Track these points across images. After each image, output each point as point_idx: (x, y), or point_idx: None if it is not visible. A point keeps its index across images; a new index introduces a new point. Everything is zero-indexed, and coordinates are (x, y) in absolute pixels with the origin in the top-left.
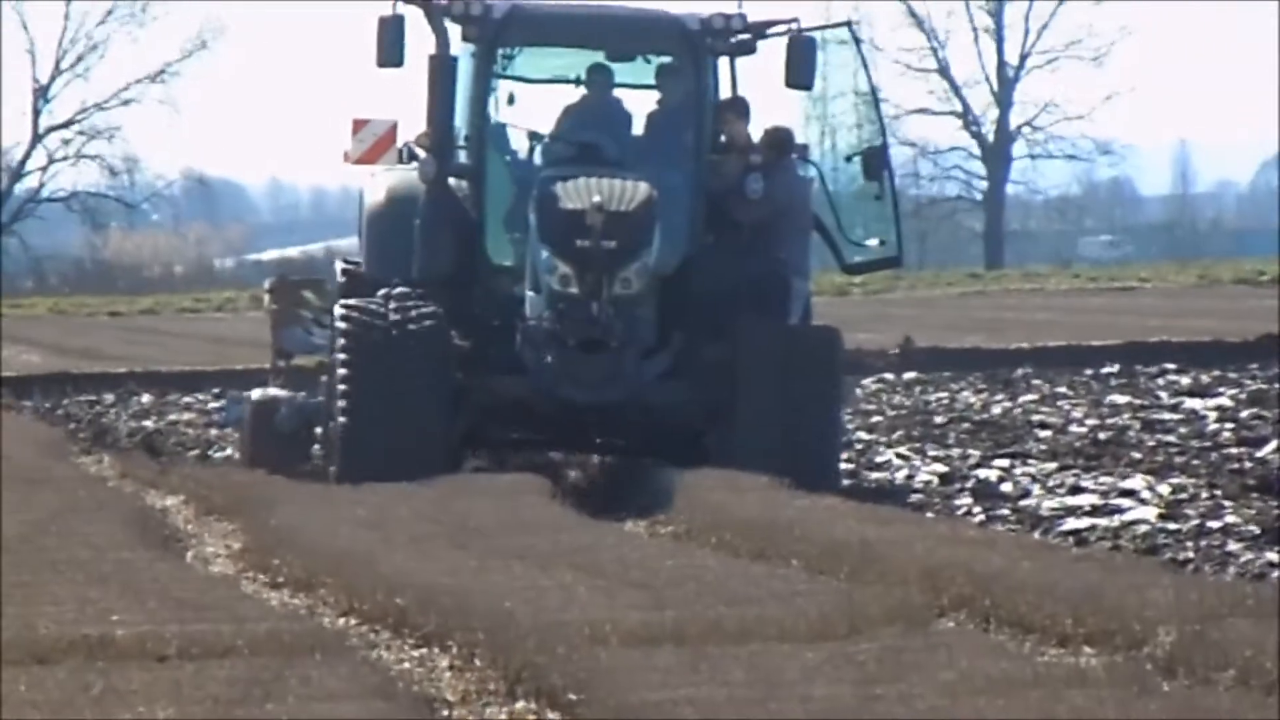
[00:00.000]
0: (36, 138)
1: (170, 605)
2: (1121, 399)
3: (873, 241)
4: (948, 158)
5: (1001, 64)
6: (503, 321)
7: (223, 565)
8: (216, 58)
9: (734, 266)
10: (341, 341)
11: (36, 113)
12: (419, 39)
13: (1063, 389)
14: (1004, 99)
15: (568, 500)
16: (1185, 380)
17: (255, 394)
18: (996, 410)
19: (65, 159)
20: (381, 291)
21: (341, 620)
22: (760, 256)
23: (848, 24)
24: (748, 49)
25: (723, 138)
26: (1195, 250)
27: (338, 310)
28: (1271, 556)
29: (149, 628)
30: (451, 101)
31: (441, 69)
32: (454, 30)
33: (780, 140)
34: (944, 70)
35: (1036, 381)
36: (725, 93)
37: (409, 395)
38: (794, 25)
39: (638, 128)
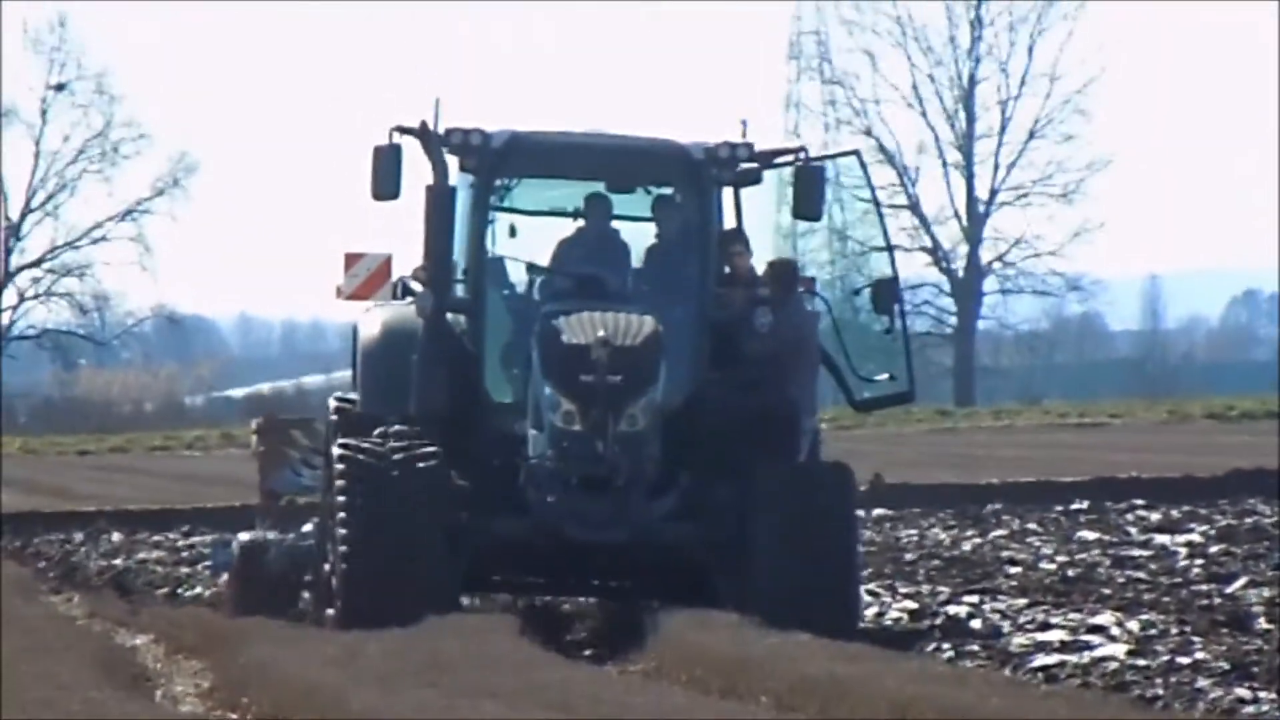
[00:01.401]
0: (7, 276)
1: None
2: (1091, 535)
3: (883, 377)
4: (918, 293)
5: (971, 200)
6: (503, 460)
7: (192, 704)
8: (187, 195)
9: (740, 402)
10: (340, 482)
11: (8, 251)
12: (411, 169)
13: (1033, 525)
14: (974, 235)
15: (536, 637)
16: (1155, 516)
17: (243, 537)
18: (966, 546)
19: (36, 297)
20: (379, 430)
21: None
22: (768, 392)
23: (856, 153)
24: (753, 179)
25: (726, 269)
26: (1166, 386)
27: (336, 450)
28: (1241, 693)
29: None
30: (450, 234)
31: (440, 200)
32: (451, 161)
33: (787, 273)
34: (914, 206)
35: (1006, 517)
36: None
37: (411, 537)
38: (801, 154)
39: (638, 259)
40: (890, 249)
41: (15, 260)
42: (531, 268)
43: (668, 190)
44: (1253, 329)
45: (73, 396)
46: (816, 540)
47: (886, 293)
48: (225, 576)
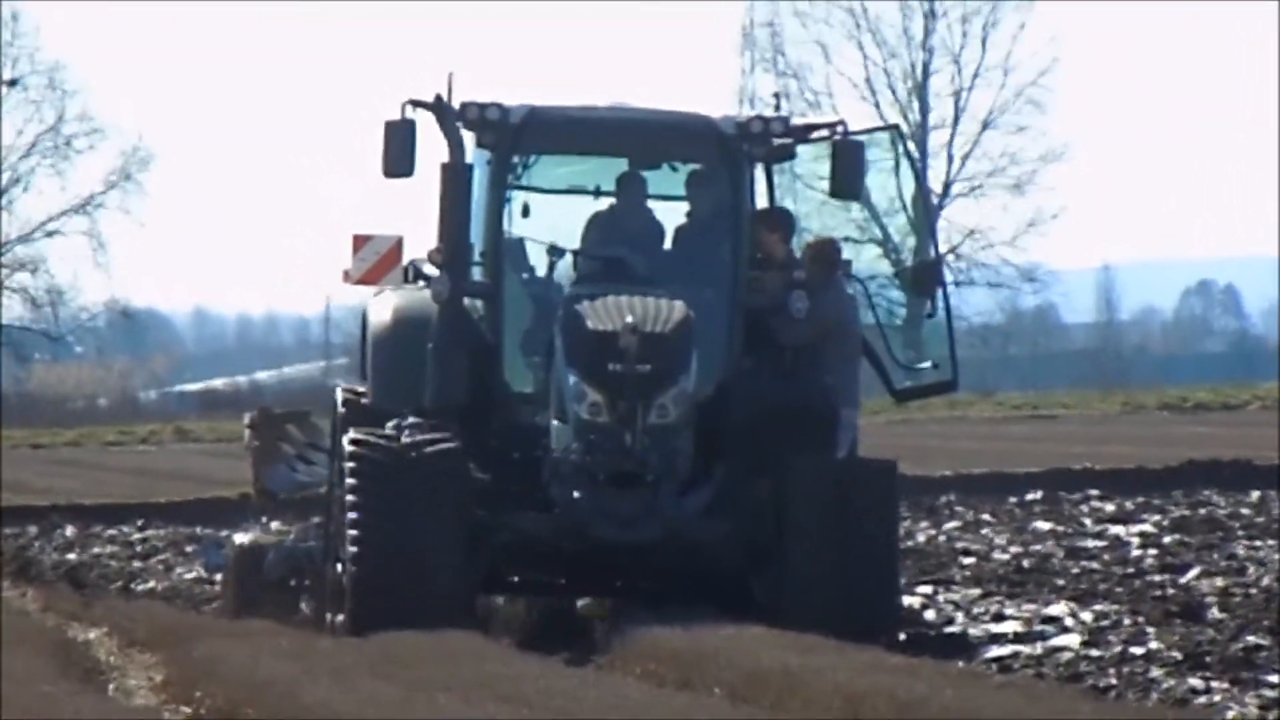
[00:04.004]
0: None
1: None
2: (1045, 526)
3: (925, 364)
4: (868, 285)
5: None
6: (524, 454)
7: (145, 698)
8: (141, 189)
9: (776, 393)
10: (352, 479)
11: None
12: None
13: (986, 516)
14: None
15: (491, 631)
16: (1109, 507)
17: (238, 539)
18: (921, 538)
19: None
20: (392, 422)
21: None
22: (805, 382)
23: (895, 127)
24: (787, 154)
25: (758, 254)
26: (1120, 377)
27: (346, 443)
28: (1194, 683)
29: None
30: (467, 214)
31: (456, 178)
32: (467, 137)
33: (827, 255)
34: (865, 198)
35: (960, 509)
36: (761, 202)
37: (428, 535)
38: (839, 129)
39: (666, 241)
40: (933, 230)
41: None
42: (553, 250)
43: (700, 166)
44: (1207, 320)
45: (26, 391)
46: (857, 541)
47: (929, 276)
48: (219, 577)
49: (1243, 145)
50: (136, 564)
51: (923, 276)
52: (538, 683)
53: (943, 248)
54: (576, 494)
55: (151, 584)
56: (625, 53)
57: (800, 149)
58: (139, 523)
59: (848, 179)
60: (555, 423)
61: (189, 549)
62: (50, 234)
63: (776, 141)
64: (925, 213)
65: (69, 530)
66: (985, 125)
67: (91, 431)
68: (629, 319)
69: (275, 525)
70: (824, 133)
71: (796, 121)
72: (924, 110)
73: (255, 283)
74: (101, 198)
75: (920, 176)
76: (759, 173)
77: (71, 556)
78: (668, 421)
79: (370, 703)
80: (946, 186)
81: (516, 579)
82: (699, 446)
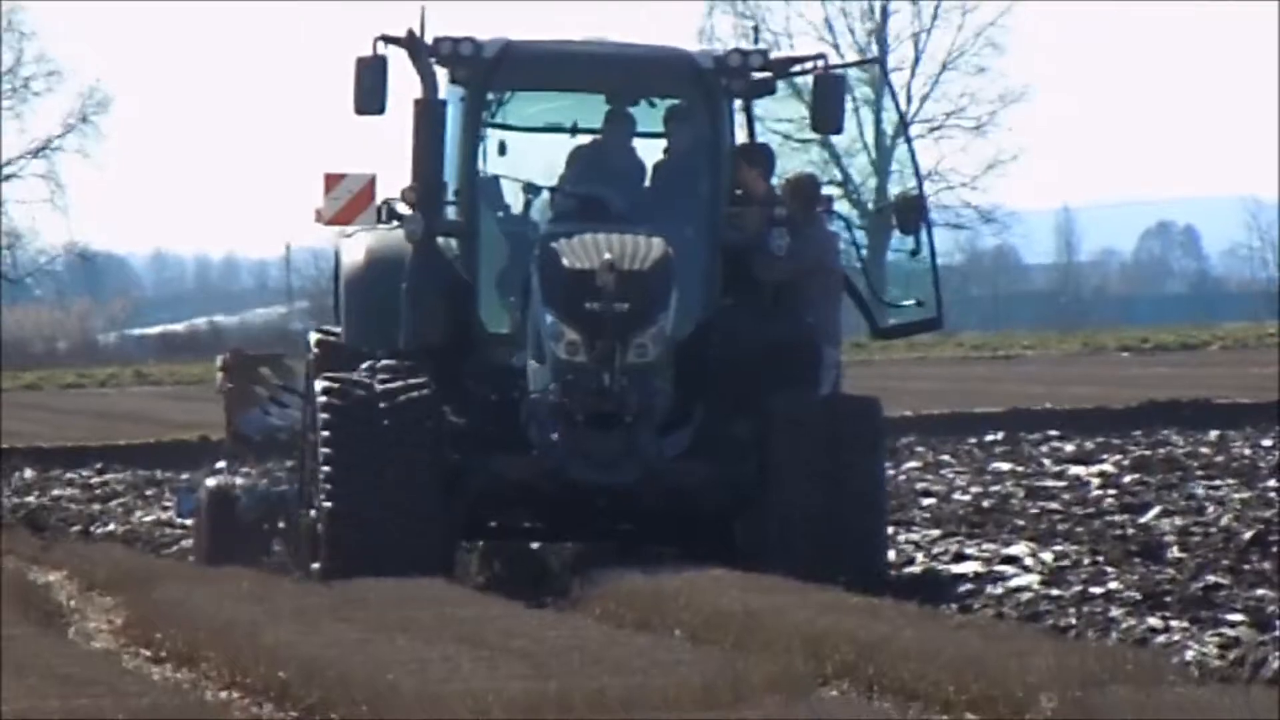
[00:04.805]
0: None
1: (52, 681)
2: (1005, 466)
3: (909, 302)
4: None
5: (880, 133)
6: (500, 395)
7: (105, 640)
8: (99, 132)
9: (757, 331)
10: (324, 417)
11: None
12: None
13: (946, 457)
14: (883, 167)
15: (450, 572)
16: (1068, 447)
17: (211, 482)
18: None
19: None
20: (365, 364)
21: (224, 694)
22: (786, 320)
23: (878, 60)
24: (767, 89)
25: (738, 190)
26: (1080, 318)
27: (318, 385)
28: (1153, 622)
29: (30, 703)
30: (441, 151)
31: (429, 115)
32: (440, 74)
33: (807, 191)
34: (824, 140)
35: (920, 449)
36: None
37: (401, 478)
38: (820, 63)
39: (647, 178)
40: (916, 164)
41: None
42: (529, 187)
43: (678, 102)
44: (1166, 261)
45: None
46: (842, 480)
47: (913, 212)
48: (192, 522)
49: (1202, 87)
50: (96, 507)
51: (907, 213)
52: (497, 624)
53: (898, 189)
54: (554, 436)
55: (111, 527)
56: None
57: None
58: (98, 466)
59: (830, 113)
60: (532, 363)
61: (149, 492)
62: (7, 177)
63: (756, 76)
64: (910, 148)
65: (28, 473)
66: (944, 66)
67: (50, 374)
68: (607, 256)
69: (222, 467)
70: (806, 66)
71: (776, 55)
72: (883, 51)
73: (215, 226)
74: (59, 140)
75: (901, 111)
76: (738, 108)
77: (31, 499)
78: (647, 361)
79: (331, 644)
80: (905, 126)
81: (494, 524)
82: (679, 387)
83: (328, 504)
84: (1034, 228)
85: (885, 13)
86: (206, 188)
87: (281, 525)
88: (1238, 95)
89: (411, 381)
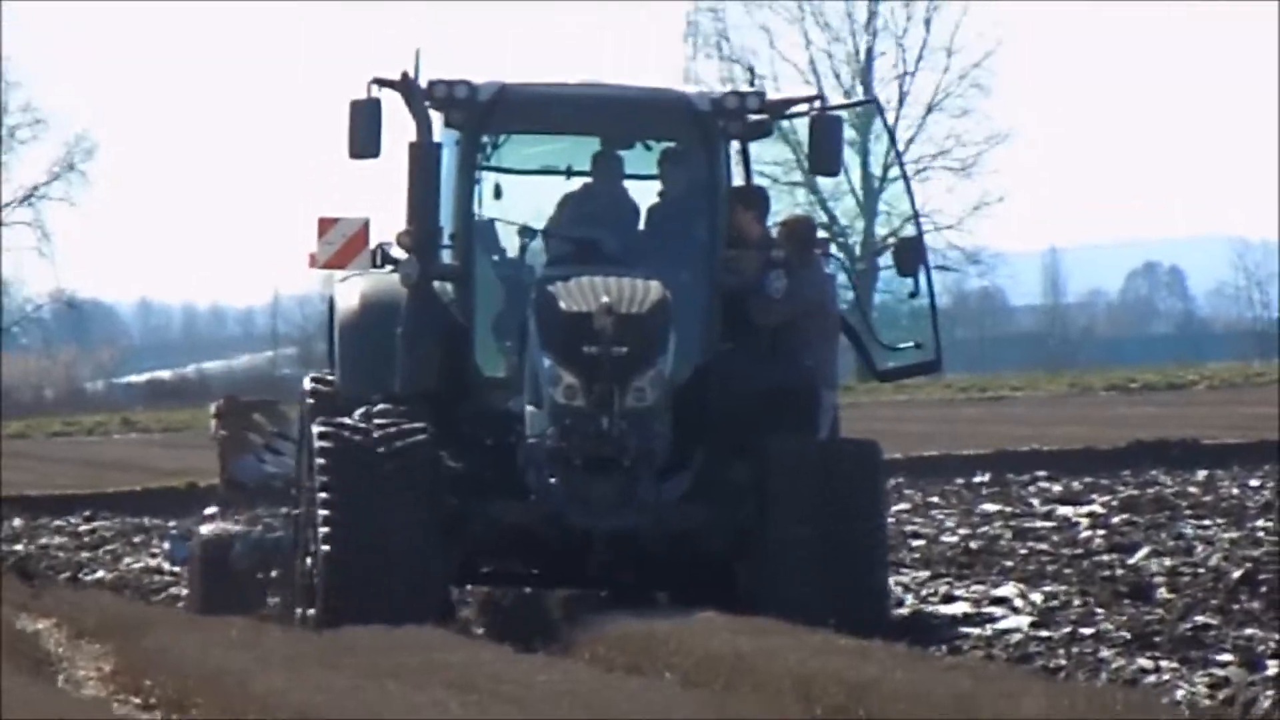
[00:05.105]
0: None
1: None
2: (993, 507)
3: (907, 344)
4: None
5: (867, 175)
6: (497, 440)
7: (95, 688)
8: (85, 179)
9: (755, 375)
10: (321, 462)
11: None
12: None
13: (935, 498)
14: (870, 210)
15: (440, 619)
16: (1056, 488)
17: (205, 530)
18: None
19: None
20: (361, 410)
21: None
22: (784, 363)
23: (874, 101)
24: (763, 131)
25: (733, 234)
26: (1067, 359)
27: (315, 431)
28: (1143, 662)
29: None
30: (436, 195)
31: (424, 158)
32: (435, 117)
33: (803, 233)
34: (810, 183)
35: (909, 491)
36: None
37: (399, 523)
38: (817, 104)
39: (642, 222)
40: (914, 204)
41: None
42: (524, 231)
43: (674, 144)
44: (1152, 301)
45: None
46: (842, 523)
47: (911, 253)
48: (185, 570)
49: (1186, 128)
50: (85, 554)
51: (905, 255)
52: (488, 669)
53: (882, 231)
54: (552, 480)
55: (100, 574)
56: (565, 40)
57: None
58: (86, 513)
59: (827, 154)
60: (530, 408)
61: (137, 539)
62: None
63: (752, 118)
64: (908, 189)
65: (16, 521)
66: (930, 108)
67: (37, 422)
68: (604, 300)
69: (213, 513)
70: (802, 108)
71: (772, 97)
72: (868, 93)
73: (201, 274)
74: (45, 188)
75: (899, 153)
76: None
77: (19, 547)
78: (645, 405)
79: (320, 691)
80: (889, 169)
81: (491, 570)
82: (678, 431)
83: (326, 548)
84: (1020, 269)
85: (870, 55)
86: (193, 236)
87: (275, 574)
88: (1222, 137)
89: (408, 426)
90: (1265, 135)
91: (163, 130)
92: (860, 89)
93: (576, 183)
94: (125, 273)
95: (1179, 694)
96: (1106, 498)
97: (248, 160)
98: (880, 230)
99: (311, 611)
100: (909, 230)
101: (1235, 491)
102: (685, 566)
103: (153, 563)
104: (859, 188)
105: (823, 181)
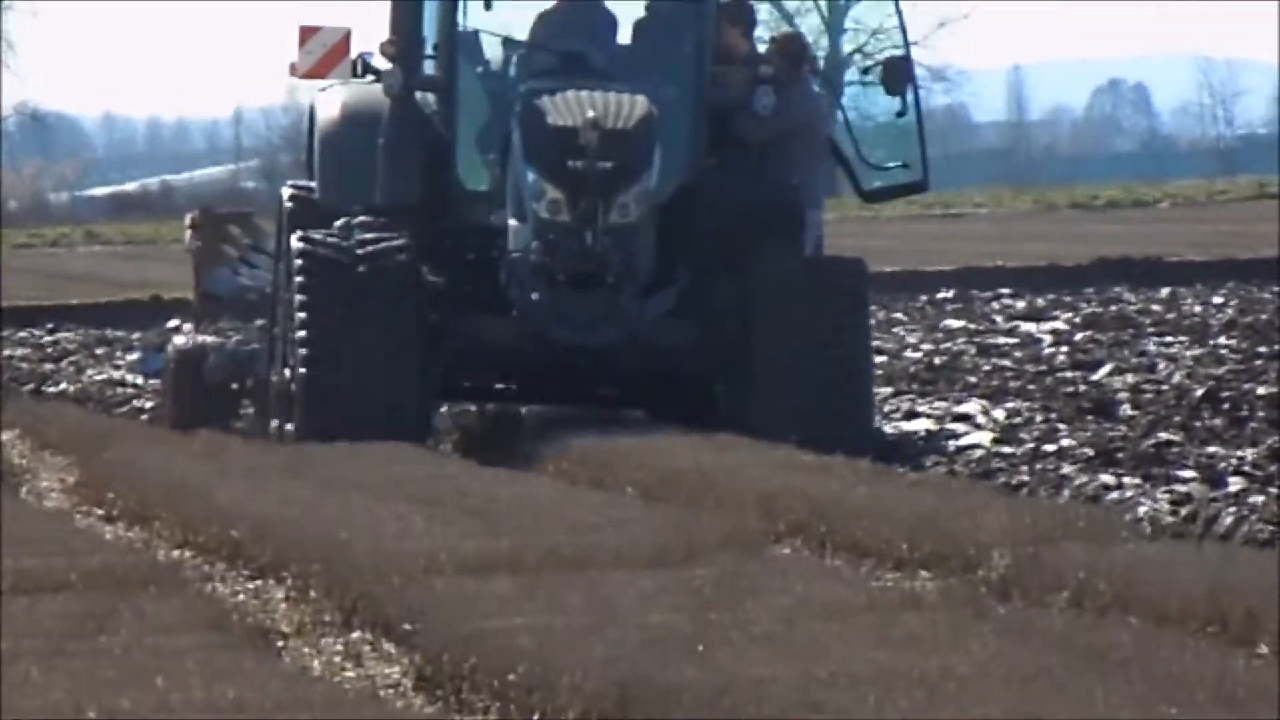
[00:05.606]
0: None
1: (3, 540)
2: (957, 324)
3: (895, 164)
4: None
5: None
6: (479, 255)
7: (58, 499)
8: None
9: (740, 192)
10: (299, 279)
11: None
12: None
13: (898, 315)
14: (835, 25)
15: (427, 434)
16: (1020, 304)
17: (178, 341)
18: None
19: None
20: (341, 221)
21: (176, 553)
22: (770, 181)
23: None
24: None
25: (719, 49)
26: (1031, 176)
27: (294, 243)
28: (1106, 479)
29: None
30: (420, 4)
31: None
32: None
33: (795, 50)
34: None
35: (873, 307)
36: None
37: (379, 336)
38: None
39: (625, 36)
40: (903, 23)
41: None
42: (509, 42)
43: None
44: (1116, 119)
45: None
46: (827, 341)
47: (899, 72)
48: (158, 382)
49: None
50: (48, 366)
51: (893, 74)
52: (451, 482)
53: (848, 48)
54: (535, 295)
55: (63, 386)
56: None
57: None
58: (49, 325)
59: None
60: (513, 222)
61: (100, 351)
62: None
63: None
64: (896, 7)
65: None
66: None
67: (1, 234)
68: (590, 114)
69: (174, 325)
70: None
71: None
72: None
73: (166, 88)
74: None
75: None
76: None
77: None
78: (630, 221)
79: (283, 503)
80: None
81: (472, 385)
82: (662, 248)
83: (303, 361)
84: (984, 86)
85: None
86: (157, 48)
87: (250, 385)
88: None
89: (389, 239)
90: None
91: None
92: None
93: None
94: (89, 85)
95: (1141, 510)
96: (1070, 315)
97: None
98: (846, 47)
99: (288, 425)
100: (877, 47)
101: (1198, 309)
102: (666, 384)
103: (116, 375)
104: (824, 5)
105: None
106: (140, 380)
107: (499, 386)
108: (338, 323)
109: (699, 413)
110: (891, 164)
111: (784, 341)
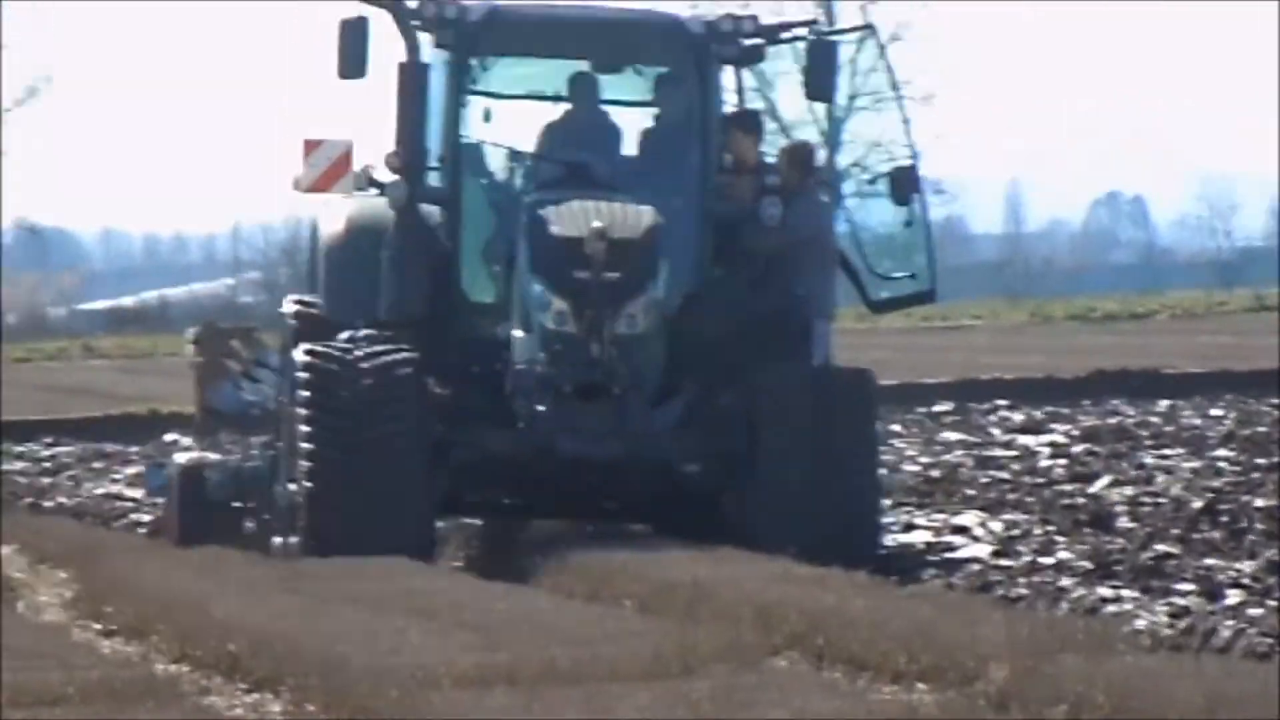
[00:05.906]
0: None
1: (2, 653)
2: (954, 436)
3: (902, 275)
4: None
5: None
6: (484, 367)
7: (54, 614)
8: (47, 106)
9: (747, 302)
10: (305, 393)
11: None
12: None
13: (896, 427)
14: (833, 138)
15: (432, 549)
16: (1018, 417)
17: (181, 458)
18: None
19: None
20: (346, 335)
21: (173, 667)
22: (777, 291)
23: (870, 27)
24: (757, 56)
25: (728, 156)
26: (1028, 288)
27: (299, 356)
28: (1104, 591)
29: None
30: (424, 116)
31: (413, 79)
32: (424, 38)
33: (802, 159)
34: (773, 111)
35: None
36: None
37: (384, 449)
38: (812, 29)
39: (630, 146)
40: (910, 134)
41: None
42: (513, 154)
43: (666, 69)
44: (1114, 231)
45: None
46: (834, 454)
47: (906, 182)
48: (162, 500)
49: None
50: (46, 480)
51: (900, 183)
52: (448, 596)
53: (845, 160)
54: (540, 407)
55: (61, 500)
56: None
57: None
58: (48, 439)
59: (823, 80)
60: (518, 333)
61: (98, 465)
62: None
63: (746, 42)
64: (903, 117)
65: None
66: (893, 37)
67: (1, 348)
68: (596, 224)
69: (174, 440)
70: (798, 32)
71: (766, 21)
72: (831, 19)
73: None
74: (5, 115)
75: (896, 81)
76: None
77: None
78: (636, 332)
79: (280, 616)
80: (851, 99)
81: (477, 499)
82: (668, 359)
83: (308, 474)
84: (982, 198)
85: None
86: (155, 164)
87: (253, 504)
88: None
89: (394, 350)
90: (1231, 67)
91: (125, 56)
92: (824, 16)
93: (560, 110)
94: (87, 201)
95: (1139, 623)
96: (1068, 427)
97: (212, 89)
98: (843, 160)
99: (292, 540)
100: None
101: (1196, 421)
102: (671, 499)
103: (114, 489)
104: (822, 117)
105: (785, 109)
106: (140, 494)
107: (505, 501)
108: (343, 436)
109: (704, 526)
110: (899, 274)
111: (791, 453)
